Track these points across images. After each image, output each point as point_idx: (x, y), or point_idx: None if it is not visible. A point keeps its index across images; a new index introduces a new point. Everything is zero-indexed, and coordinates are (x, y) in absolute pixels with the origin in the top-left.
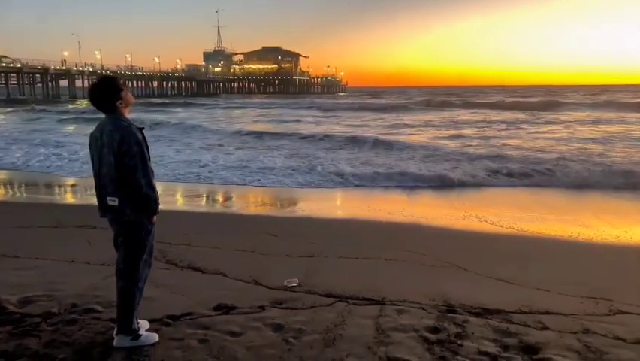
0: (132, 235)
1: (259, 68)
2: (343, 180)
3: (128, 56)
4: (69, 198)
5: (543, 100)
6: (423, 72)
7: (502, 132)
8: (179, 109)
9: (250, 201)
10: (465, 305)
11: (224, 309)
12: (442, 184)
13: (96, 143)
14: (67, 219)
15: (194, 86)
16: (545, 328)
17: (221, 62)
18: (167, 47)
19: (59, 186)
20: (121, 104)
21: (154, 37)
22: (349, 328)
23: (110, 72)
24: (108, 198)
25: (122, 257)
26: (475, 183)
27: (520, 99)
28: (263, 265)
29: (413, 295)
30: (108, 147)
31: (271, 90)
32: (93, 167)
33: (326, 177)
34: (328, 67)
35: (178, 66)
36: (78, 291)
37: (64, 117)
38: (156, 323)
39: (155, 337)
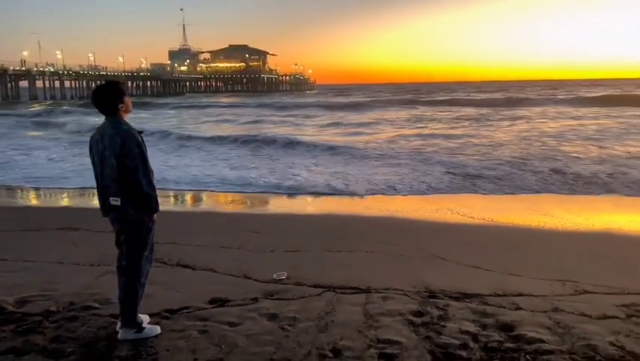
0: (134, 232)
1: (226, 67)
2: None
3: (90, 55)
4: (44, 202)
5: (506, 96)
6: (391, 69)
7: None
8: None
9: (221, 202)
10: (445, 291)
11: (219, 302)
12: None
13: (97, 146)
14: (47, 223)
15: (160, 85)
16: (519, 308)
17: (188, 61)
18: (131, 46)
19: (31, 191)
20: (122, 107)
21: (118, 36)
22: (339, 314)
23: (72, 72)
24: (111, 198)
25: (125, 254)
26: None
27: (481, 96)
28: (250, 261)
29: (396, 283)
30: (110, 149)
31: (239, 89)
32: (94, 169)
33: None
34: (296, 65)
35: (143, 65)
36: (73, 290)
37: (24, 120)
38: (155, 317)
39: (158, 329)
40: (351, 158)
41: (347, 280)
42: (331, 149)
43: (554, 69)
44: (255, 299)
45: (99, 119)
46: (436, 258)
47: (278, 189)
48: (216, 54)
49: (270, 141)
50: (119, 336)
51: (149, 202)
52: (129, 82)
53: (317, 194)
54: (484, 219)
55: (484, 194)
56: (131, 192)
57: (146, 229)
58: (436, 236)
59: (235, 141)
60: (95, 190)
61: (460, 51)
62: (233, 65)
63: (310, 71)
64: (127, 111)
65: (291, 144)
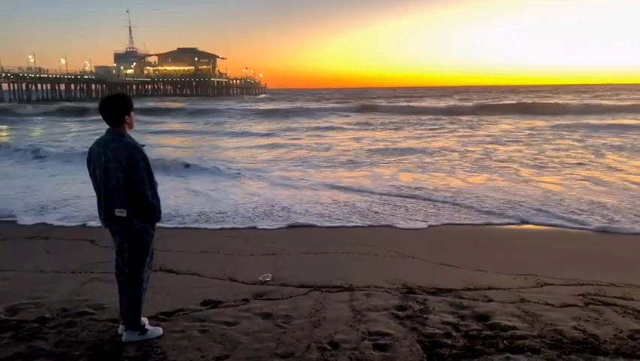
0: (139, 241)
1: (175, 70)
2: None
3: (30, 57)
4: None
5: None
6: (344, 74)
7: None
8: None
9: None
10: (421, 287)
11: (211, 304)
12: None
13: (99, 158)
14: (12, 233)
15: (105, 89)
16: (490, 300)
17: (134, 64)
18: (74, 48)
19: None
20: (127, 119)
21: (60, 37)
22: (329, 311)
23: (11, 74)
24: (116, 210)
25: (128, 262)
26: None
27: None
28: (232, 264)
29: (375, 281)
30: (115, 162)
31: (188, 92)
32: (95, 181)
33: None
34: (247, 68)
35: (87, 68)
36: (62, 297)
37: None
38: (152, 320)
39: (160, 330)
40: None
41: (330, 280)
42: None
43: (508, 75)
44: (246, 300)
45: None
46: (405, 257)
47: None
48: (164, 57)
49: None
50: (124, 338)
51: (154, 213)
52: (72, 85)
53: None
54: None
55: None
56: (137, 204)
57: (149, 236)
58: (399, 237)
59: None
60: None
61: (411, 56)
62: (182, 68)
63: (261, 75)
64: (130, 126)
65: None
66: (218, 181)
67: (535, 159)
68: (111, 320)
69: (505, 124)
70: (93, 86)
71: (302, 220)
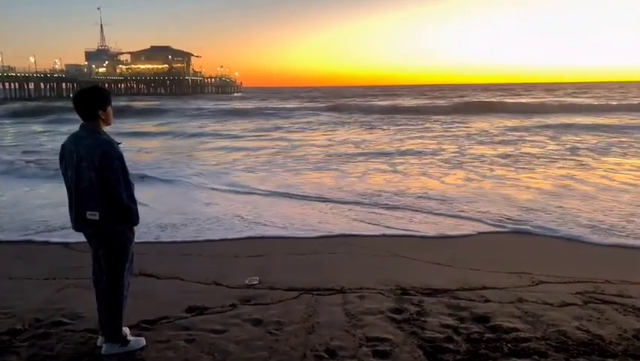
0: (115, 246)
1: (148, 68)
2: None
3: None
4: None
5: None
6: (322, 72)
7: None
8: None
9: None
10: (415, 288)
11: (197, 310)
12: None
13: (71, 156)
14: None
15: (75, 87)
16: (487, 300)
17: (107, 62)
18: (43, 45)
19: None
20: (102, 114)
21: (28, 34)
22: (322, 316)
23: None
24: (88, 212)
25: (106, 268)
26: None
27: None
28: (216, 267)
29: (367, 283)
30: (87, 161)
31: (162, 91)
32: (67, 180)
33: None
34: (222, 67)
35: (57, 66)
36: (35, 306)
37: None
38: (135, 329)
39: (143, 341)
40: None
41: (320, 282)
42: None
43: (482, 72)
44: (234, 306)
45: None
46: (395, 256)
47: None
48: (137, 55)
49: None
50: (103, 351)
51: (130, 215)
52: (41, 84)
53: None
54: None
55: None
56: (111, 206)
57: (127, 240)
58: (387, 236)
59: None
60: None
61: (387, 54)
62: (155, 66)
63: (237, 74)
64: (106, 122)
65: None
66: (170, 189)
67: (509, 157)
68: (89, 330)
69: (481, 122)
70: (64, 84)
71: (261, 231)
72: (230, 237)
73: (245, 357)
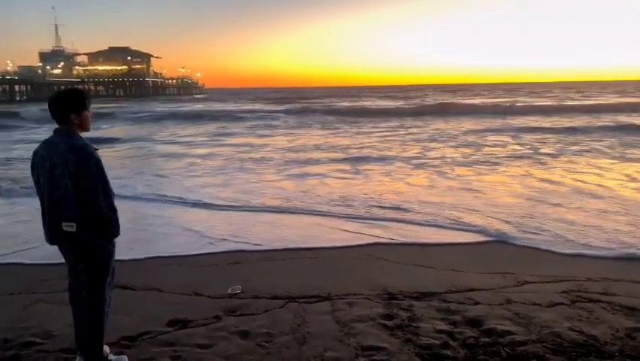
0: (95, 259)
1: (106, 70)
2: None
3: None
4: None
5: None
6: (287, 73)
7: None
8: None
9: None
10: (403, 292)
11: (179, 324)
12: None
13: (44, 163)
14: None
15: (30, 89)
16: (477, 303)
17: (62, 64)
18: None
19: None
20: (75, 118)
21: None
22: (312, 325)
23: None
24: (64, 223)
25: (85, 284)
26: None
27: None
28: (195, 276)
29: (354, 288)
30: (62, 168)
31: (121, 93)
32: (39, 190)
33: None
34: (183, 68)
35: (9, 68)
36: (1, 325)
37: None
38: (115, 347)
39: (125, 359)
40: None
41: (304, 289)
42: None
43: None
44: (218, 317)
45: None
46: (376, 259)
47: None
48: (94, 56)
49: None
50: None
51: (110, 226)
52: None
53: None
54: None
55: None
56: (89, 217)
57: (107, 252)
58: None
59: None
60: None
61: (353, 55)
62: (114, 68)
63: (199, 75)
64: (82, 127)
65: None
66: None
67: (470, 158)
68: (64, 350)
69: (442, 124)
70: (17, 87)
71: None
72: (204, 251)
73: None
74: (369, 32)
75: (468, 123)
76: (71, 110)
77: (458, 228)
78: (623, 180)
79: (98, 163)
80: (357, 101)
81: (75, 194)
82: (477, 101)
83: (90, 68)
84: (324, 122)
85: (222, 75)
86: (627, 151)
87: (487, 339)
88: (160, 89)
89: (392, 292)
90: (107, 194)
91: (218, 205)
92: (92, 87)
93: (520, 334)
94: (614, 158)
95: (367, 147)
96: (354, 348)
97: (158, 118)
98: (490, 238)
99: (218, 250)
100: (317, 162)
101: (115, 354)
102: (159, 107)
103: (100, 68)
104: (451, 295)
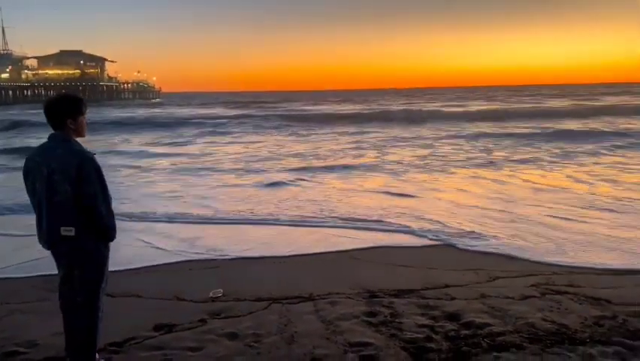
0: (92, 264)
1: (57, 74)
2: None
3: None
4: None
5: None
6: (250, 76)
7: None
8: None
9: None
10: (382, 289)
11: (165, 328)
12: None
13: (40, 169)
14: None
15: None
16: (453, 298)
17: (10, 67)
18: None
19: None
20: (71, 123)
21: None
22: (298, 325)
23: None
24: (62, 228)
25: (80, 290)
26: None
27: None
28: (174, 281)
29: (334, 287)
30: (61, 173)
31: None
32: (34, 196)
33: None
34: (139, 72)
35: None
36: None
37: None
38: (103, 353)
39: None
40: None
41: (285, 291)
42: None
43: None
44: (203, 321)
45: None
46: (351, 259)
47: None
48: (45, 60)
49: None
50: None
51: (107, 232)
52: None
53: None
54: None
55: None
56: (87, 221)
57: (103, 257)
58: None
59: None
60: None
61: (309, 58)
62: (66, 72)
63: (154, 79)
64: (77, 132)
65: None
66: None
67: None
68: (50, 358)
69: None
70: None
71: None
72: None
73: None
74: (324, 33)
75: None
76: (68, 116)
77: (422, 234)
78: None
79: (98, 169)
80: (319, 105)
81: (74, 199)
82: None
83: (40, 72)
84: (280, 128)
85: (181, 79)
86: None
87: (467, 331)
88: (115, 94)
89: (372, 290)
90: (107, 200)
91: (170, 216)
92: (42, 92)
93: (498, 325)
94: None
95: (324, 152)
96: (342, 345)
97: (109, 123)
98: (445, 243)
99: (192, 258)
100: (267, 170)
101: (104, 360)
102: (114, 112)
103: (50, 72)
104: (429, 292)
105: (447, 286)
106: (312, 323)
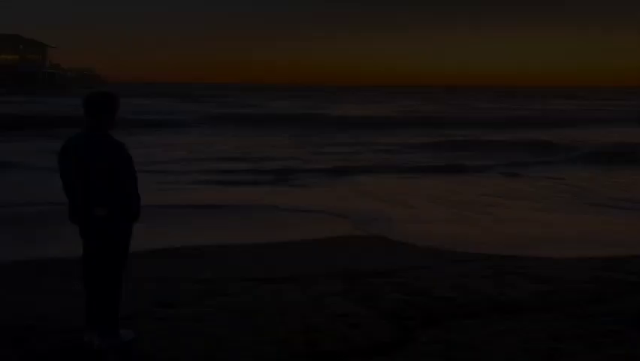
0: (120, 242)
1: None
2: None
3: None
4: None
5: None
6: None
7: None
8: None
9: None
10: (359, 271)
11: (167, 305)
12: None
13: (76, 151)
14: None
15: None
16: (423, 278)
17: None
18: None
19: None
20: (106, 119)
21: None
22: (288, 300)
23: None
24: (96, 208)
25: (106, 264)
26: None
27: None
28: (161, 264)
29: (315, 270)
30: (100, 157)
31: (12, 86)
32: (67, 177)
33: None
34: (84, 60)
35: None
36: None
37: None
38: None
39: (132, 333)
40: None
41: (268, 273)
42: None
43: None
44: (200, 298)
45: None
46: (328, 246)
47: None
48: None
49: None
50: (99, 345)
51: (136, 212)
52: None
53: None
54: None
55: None
56: (120, 203)
57: (128, 236)
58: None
59: None
60: None
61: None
62: (3, 57)
63: (95, 66)
64: (110, 128)
65: None
66: None
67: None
68: (66, 329)
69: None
70: None
71: None
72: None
73: (239, 339)
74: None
75: None
76: (105, 112)
77: None
78: None
79: (130, 157)
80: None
81: (110, 183)
82: None
83: None
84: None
85: (136, 67)
86: None
87: (437, 303)
88: (57, 82)
89: (350, 272)
90: (135, 183)
91: None
92: None
93: (462, 299)
94: None
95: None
96: (331, 315)
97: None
98: None
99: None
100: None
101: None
102: (49, 101)
103: None
104: (402, 273)
105: (417, 268)
106: (299, 298)
